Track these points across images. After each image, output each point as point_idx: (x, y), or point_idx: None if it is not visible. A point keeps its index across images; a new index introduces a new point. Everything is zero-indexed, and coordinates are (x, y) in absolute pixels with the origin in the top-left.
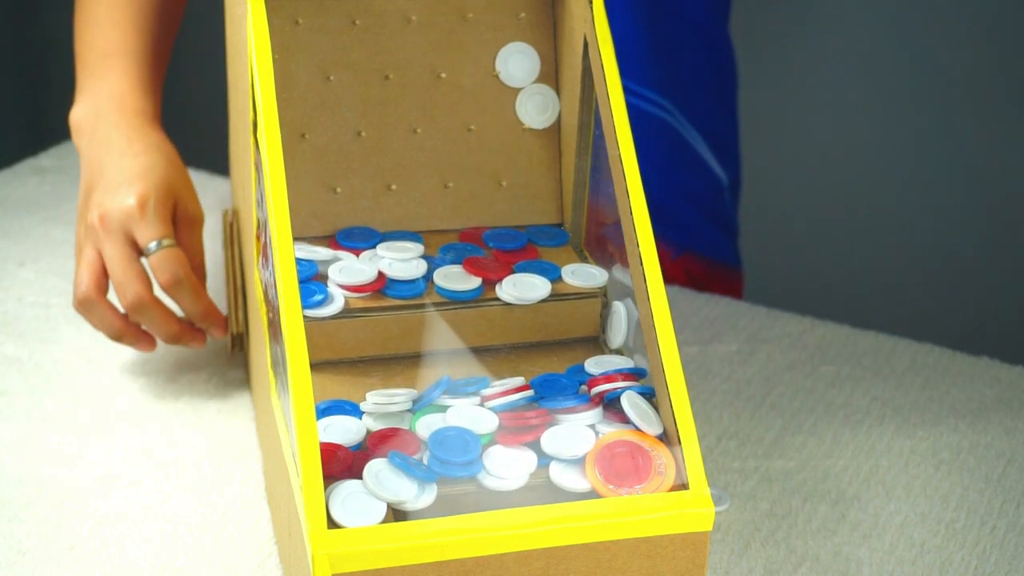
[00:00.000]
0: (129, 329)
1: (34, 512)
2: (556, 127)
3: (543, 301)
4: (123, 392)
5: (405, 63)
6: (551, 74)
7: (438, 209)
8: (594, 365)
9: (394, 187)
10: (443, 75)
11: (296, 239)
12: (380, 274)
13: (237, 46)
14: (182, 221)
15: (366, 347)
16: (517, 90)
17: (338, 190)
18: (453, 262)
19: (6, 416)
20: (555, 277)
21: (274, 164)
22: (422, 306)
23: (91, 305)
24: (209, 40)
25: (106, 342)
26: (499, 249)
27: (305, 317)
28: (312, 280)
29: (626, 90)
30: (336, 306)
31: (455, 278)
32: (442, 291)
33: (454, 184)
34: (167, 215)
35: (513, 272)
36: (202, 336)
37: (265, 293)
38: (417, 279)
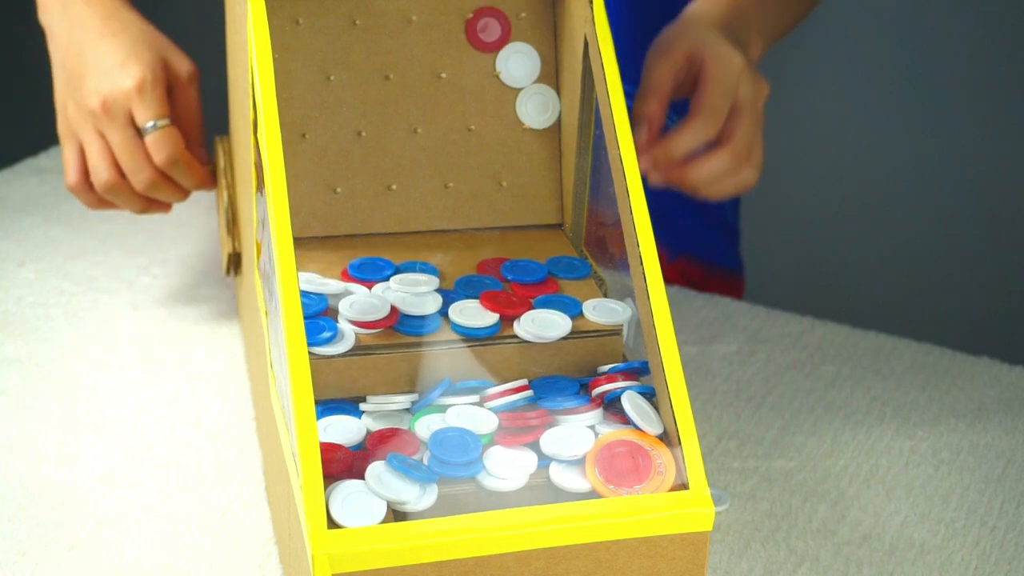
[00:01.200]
0: (150, 203)
1: (34, 512)
2: (556, 127)
3: (563, 339)
4: (123, 392)
5: (405, 63)
6: (551, 74)
7: (438, 209)
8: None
9: (394, 187)
10: (443, 75)
11: (303, 271)
12: (393, 309)
13: (237, 46)
14: (176, 84)
15: (377, 387)
16: (517, 90)
17: (338, 190)
18: (469, 296)
19: (6, 416)
20: (576, 313)
21: (274, 164)
22: (436, 343)
23: (118, 191)
24: (209, 40)
25: (106, 342)
26: (517, 282)
27: (314, 355)
28: (322, 316)
29: (627, 93)
30: (346, 343)
31: (471, 313)
32: (457, 328)
33: (454, 184)
34: (163, 93)
35: (532, 307)
36: (212, 181)
37: (265, 293)
38: (431, 314)
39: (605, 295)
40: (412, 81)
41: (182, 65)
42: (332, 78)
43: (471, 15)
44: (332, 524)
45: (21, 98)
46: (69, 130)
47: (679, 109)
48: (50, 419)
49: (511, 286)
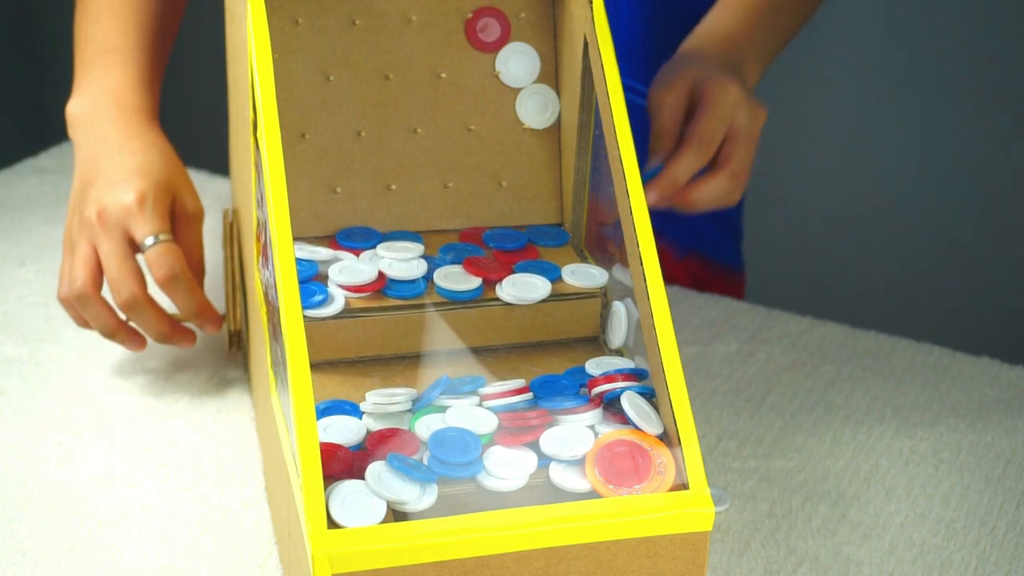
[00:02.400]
0: (122, 327)
1: (34, 512)
2: (556, 127)
3: (543, 301)
4: (123, 392)
5: (405, 63)
6: (551, 74)
7: (438, 209)
8: (594, 366)
9: (394, 187)
10: (443, 75)
11: (296, 239)
12: (380, 274)
13: (237, 46)
14: (181, 218)
15: (366, 347)
16: (517, 90)
17: (338, 190)
18: (453, 262)
19: (6, 416)
20: (555, 277)
21: (274, 164)
22: (422, 306)
23: (87, 301)
24: (209, 40)
25: (105, 342)
26: (499, 249)
27: (305, 317)
28: (312, 280)
29: (631, 89)
30: (336, 306)
31: (455, 278)
32: (442, 291)
33: (454, 184)
34: (165, 212)
35: (513, 272)
36: (192, 336)
37: (265, 294)
38: (417, 279)
39: (584, 260)
40: (412, 81)
41: (190, 201)
42: (332, 78)
43: (471, 15)
44: (332, 524)
45: (21, 98)
46: (69, 241)
47: None
48: (50, 419)
49: (493, 253)
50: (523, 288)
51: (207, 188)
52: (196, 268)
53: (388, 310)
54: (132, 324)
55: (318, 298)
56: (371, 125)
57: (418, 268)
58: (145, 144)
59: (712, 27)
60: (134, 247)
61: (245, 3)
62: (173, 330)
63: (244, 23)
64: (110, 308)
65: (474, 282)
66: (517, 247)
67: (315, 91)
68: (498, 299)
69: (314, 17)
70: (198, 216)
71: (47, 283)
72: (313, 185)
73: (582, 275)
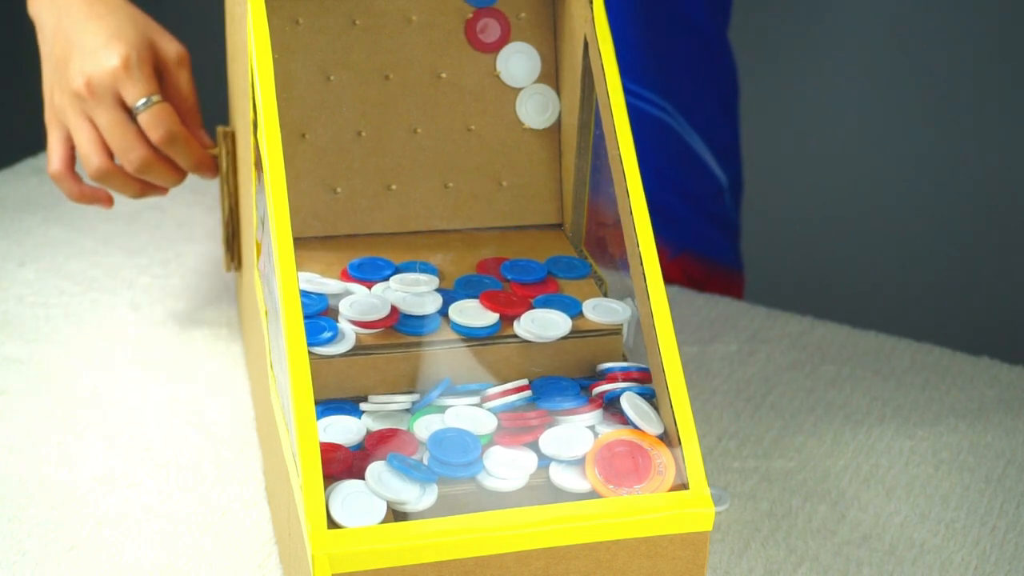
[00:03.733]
0: (145, 186)
1: (34, 512)
2: (556, 127)
3: (563, 339)
4: (123, 392)
5: (405, 63)
6: (551, 74)
7: (438, 209)
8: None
9: (394, 187)
10: (443, 75)
11: (305, 271)
12: (393, 309)
13: (237, 46)
14: (166, 66)
15: (378, 387)
16: (517, 90)
17: (338, 190)
18: (469, 296)
19: (6, 416)
20: (576, 313)
21: (274, 164)
22: (436, 343)
23: (109, 175)
24: (209, 40)
25: (106, 342)
26: (517, 282)
27: (314, 355)
28: (322, 315)
29: (625, 90)
30: (347, 343)
31: (471, 313)
32: (457, 327)
33: (454, 184)
34: (150, 70)
35: (532, 307)
36: (213, 168)
37: (265, 294)
38: (432, 314)
39: (605, 295)
40: (412, 81)
41: (171, 48)
42: (332, 78)
43: (471, 15)
44: (332, 524)
45: (21, 98)
46: (55, 117)
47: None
48: (50, 419)
49: (511, 286)
50: (542, 325)
51: (207, 188)
52: (191, 112)
53: (400, 347)
54: (146, 179)
55: (327, 335)
56: (371, 125)
57: (433, 303)
58: (110, 7)
59: None
60: (128, 111)
61: (245, 3)
62: (181, 175)
63: (244, 23)
64: (128, 174)
65: (491, 318)
66: (536, 280)
67: (315, 91)
68: (516, 336)
69: (314, 17)
70: (182, 59)
71: (47, 283)
72: (313, 185)
73: (603, 311)
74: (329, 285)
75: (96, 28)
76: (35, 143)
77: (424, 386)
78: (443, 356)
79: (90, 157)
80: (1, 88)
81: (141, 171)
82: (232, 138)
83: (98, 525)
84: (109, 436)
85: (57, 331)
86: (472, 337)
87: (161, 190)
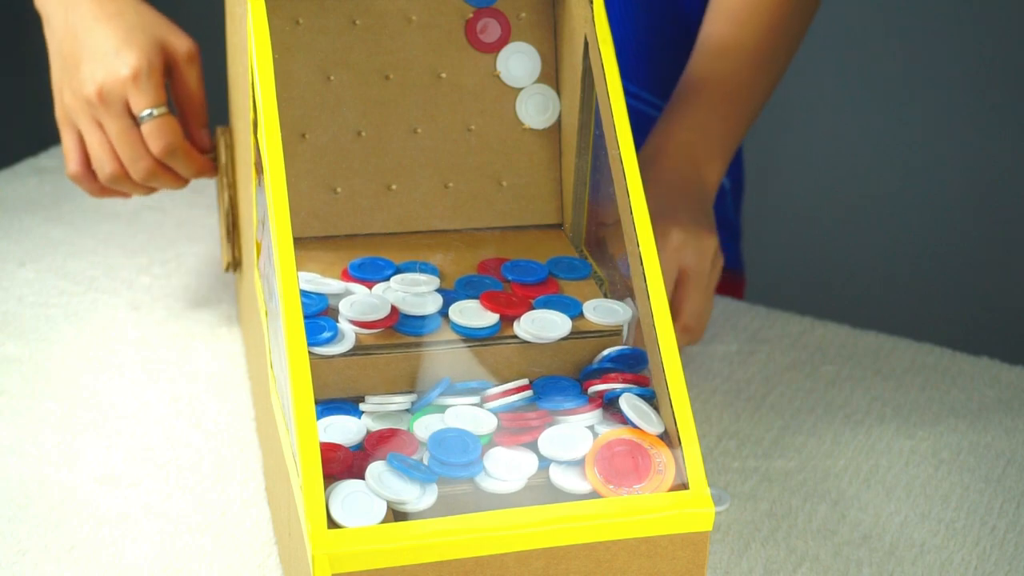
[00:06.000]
0: (153, 189)
1: (34, 512)
2: (556, 127)
3: (563, 339)
4: (123, 392)
5: (405, 63)
6: (551, 74)
7: (438, 209)
8: (591, 309)
9: (394, 187)
10: (443, 75)
11: (305, 271)
12: (393, 309)
13: (237, 46)
14: (175, 65)
15: (378, 387)
16: (517, 90)
17: (338, 190)
18: (469, 296)
19: (6, 416)
20: (576, 314)
21: (274, 164)
22: (436, 343)
23: (120, 180)
24: (209, 40)
25: (106, 342)
26: (518, 282)
27: (314, 355)
28: (322, 315)
29: (627, 92)
30: (347, 343)
31: (471, 314)
32: (457, 328)
33: (454, 184)
34: (160, 79)
35: (532, 308)
36: (213, 168)
37: (265, 294)
38: (432, 314)
39: (605, 295)
40: (412, 81)
41: (181, 45)
42: (332, 78)
43: (471, 15)
44: (332, 524)
45: (21, 98)
46: (67, 118)
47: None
48: (50, 419)
49: (511, 286)
50: (542, 326)
51: (207, 188)
52: (198, 108)
53: (400, 347)
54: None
55: (327, 335)
56: (371, 125)
57: (433, 303)
58: (120, 5)
59: (663, 140)
60: (134, 118)
61: (245, 3)
62: (182, 182)
63: (244, 23)
64: (134, 180)
65: (491, 318)
66: (537, 280)
67: (315, 91)
68: (516, 336)
69: (314, 17)
70: (192, 56)
71: (47, 283)
72: (313, 185)
73: (604, 311)
74: (329, 285)
75: (106, 30)
76: (35, 143)
77: (424, 387)
78: (443, 357)
79: (103, 164)
80: (2, 88)
81: (146, 179)
82: (230, 133)
83: (98, 525)
84: (109, 436)
85: (57, 331)
86: (472, 337)
87: (168, 185)
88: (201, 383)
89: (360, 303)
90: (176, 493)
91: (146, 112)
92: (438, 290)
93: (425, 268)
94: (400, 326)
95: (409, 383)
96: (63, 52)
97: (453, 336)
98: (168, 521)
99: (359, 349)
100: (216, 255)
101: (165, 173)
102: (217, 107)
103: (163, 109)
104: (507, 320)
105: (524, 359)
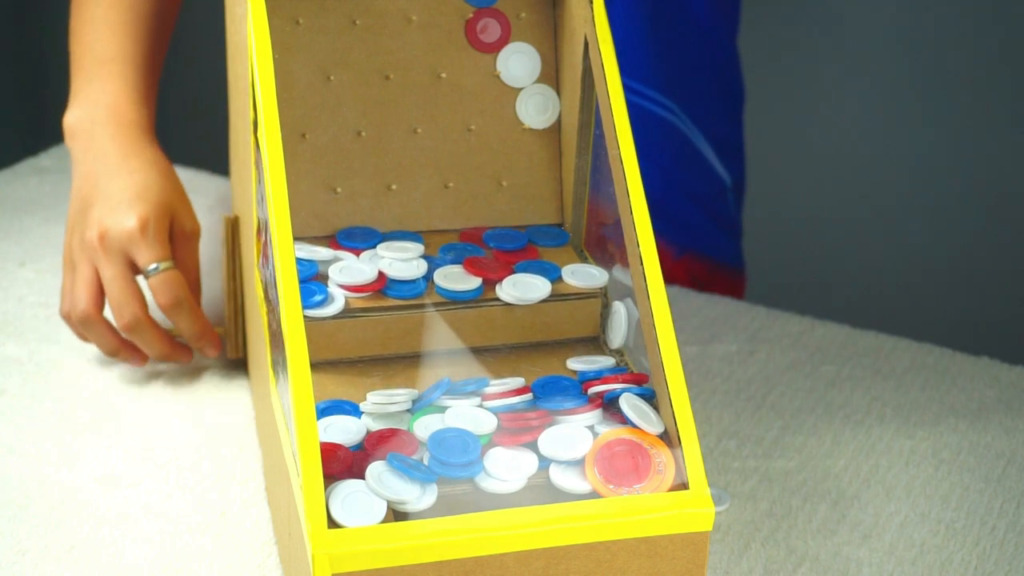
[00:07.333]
0: (124, 346)
1: (34, 512)
2: (556, 127)
3: (543, 301)
4: (123, 392)
5: (405, 63)
6: (551, 74)
7: (438, 209)
8: (582, 363)
9: (394, 187)
10: (443, 75)
11: (296, 239)
12: (380, 274)
13: (237, 46)
14: (179, 237)
15: (366, 347)
16: (517, 90)
17: (338, 190)
18: (453, 262)
19: (6, 416)
20: (555, 277)
21: (274, 164)
22: (422, 306)
23: (90, 323)
24: (209, 40)
25: None
26: (499, 249)
27: (305, 317)
28: (312, 280)
29: (631, 90)
30: (336, 306)
31: (455, 278)
32: (442, 291)
33: (454, 184)
34: (165, 236)
35: (513, 272)
36: (190, 353)
37: (265, 292)
38: (417, 279)
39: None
40: (412, 81)
41: (187, 221)
42: (332, 78)
43: (471, 15)
44: (332, 524)
45: (21, 98)
46: (69, 259)
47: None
48: (50, 419)
49: (493, 253)
50: (523, 288)
51: (207, 188)
52: (193, 287)
53: (388, 310)
54: (133, 341)
55: (318, 298)
56: (371, 125)
57: (418, 268)
58: (143, 163)
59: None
60: (134, 270)
61: (245, 3)
62: (173, 349)
63: (244, 23)
64: (112, 329)
65: (474, 282)
66: (517, 247)
67: (315, 91)
68: (498, 299)
69: (314, 17)
70: (195, 235)
71: (47, 283)
72: (313, 185)
73: (582, 275)
74: (319, 252)
75: (124, 183)
76: (35, 143)
77: (412, 349)
78: (429, 319)
79: (78, 302)
80: (2, 89)
81: (130, 328)
82: (235, 225)
83: (98, 525)
84: (109, 436)
85: (57, 331)
86: (456, 300)
87: (137, 356)
88: (201, 383)
89: (349, 268)
90: (176, 493)
91: (153, 266)
92: (423, 256)
93: (410, 236)
94: (388, 290)
95: (398, 345)
96: (81, 195)
97: (438, 299)
98: (168, 521)
99: (348, 312)
100: (216, 255)
101: (151, 327)
102: (217, 107)
103: (170, 263)
104: (489, 284)
105: (507, 320)
